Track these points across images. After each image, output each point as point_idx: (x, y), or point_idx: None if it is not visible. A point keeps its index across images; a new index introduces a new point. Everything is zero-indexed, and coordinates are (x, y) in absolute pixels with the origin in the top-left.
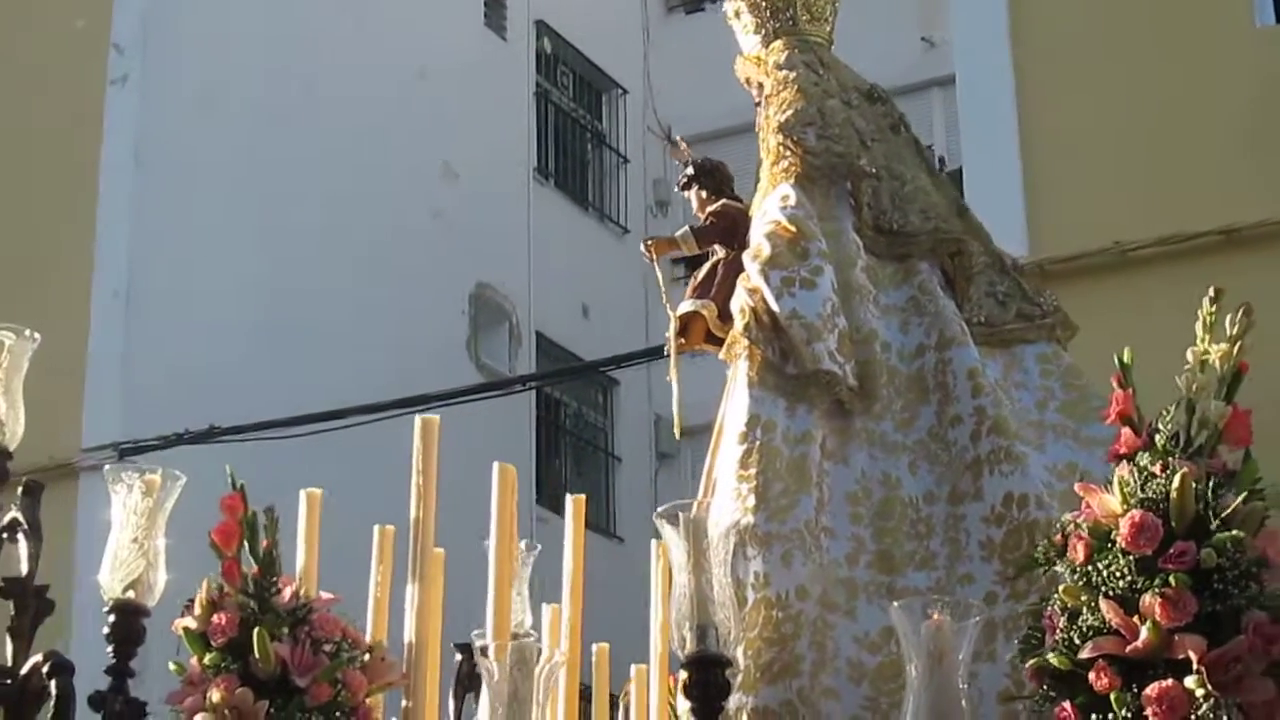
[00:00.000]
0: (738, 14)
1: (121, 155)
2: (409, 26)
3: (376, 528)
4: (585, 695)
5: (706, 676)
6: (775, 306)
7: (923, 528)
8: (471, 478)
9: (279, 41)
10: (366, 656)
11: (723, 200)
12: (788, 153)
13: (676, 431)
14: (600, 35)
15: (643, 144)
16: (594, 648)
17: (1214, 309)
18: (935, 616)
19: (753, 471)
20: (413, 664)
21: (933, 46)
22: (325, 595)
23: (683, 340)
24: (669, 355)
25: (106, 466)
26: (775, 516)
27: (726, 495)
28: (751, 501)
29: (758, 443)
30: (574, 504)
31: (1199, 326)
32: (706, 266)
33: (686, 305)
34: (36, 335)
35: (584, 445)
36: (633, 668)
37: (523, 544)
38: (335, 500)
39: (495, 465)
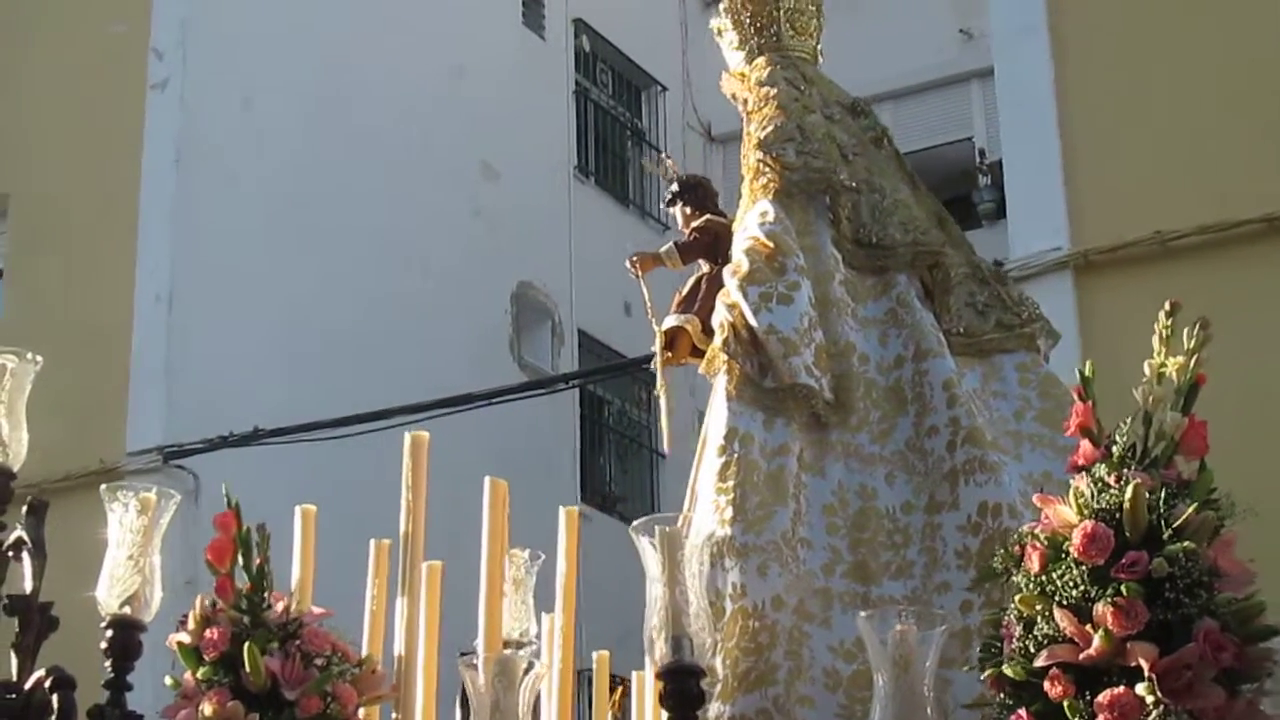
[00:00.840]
0: (721, 31)
1: (162, 160)
2: (447, 27)
3: (372, 542)
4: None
5: (681, 686)
6: (753, 321)
7: (899, 537)
8: (517, 476)
9: (318, 44)
10: (357, 670)
11: (706, 216)
12: (767, 169)
13: (665, 444)
14: (638, 32)
15: (682, 140)
16: (594, 655)
17: (1170, 323)
18: (900, 626)
19: (730, 484)
20: (402, 677)
21: (971, 38)
22: (317, 610)
23: (669, 354)
24: (656, 370)
25: (103, 487)
26: (752, 528)
27: (706, 508)
28: (729, 514)
29: (735, 455)
30: (566, 515)
31: (1155, 340)
32: (691, 281)
33: (671, 320)
34: (39, 358)
35: (628, 442)
36: (633, 674)
37: (526, 553)
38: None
39: (486, 480)
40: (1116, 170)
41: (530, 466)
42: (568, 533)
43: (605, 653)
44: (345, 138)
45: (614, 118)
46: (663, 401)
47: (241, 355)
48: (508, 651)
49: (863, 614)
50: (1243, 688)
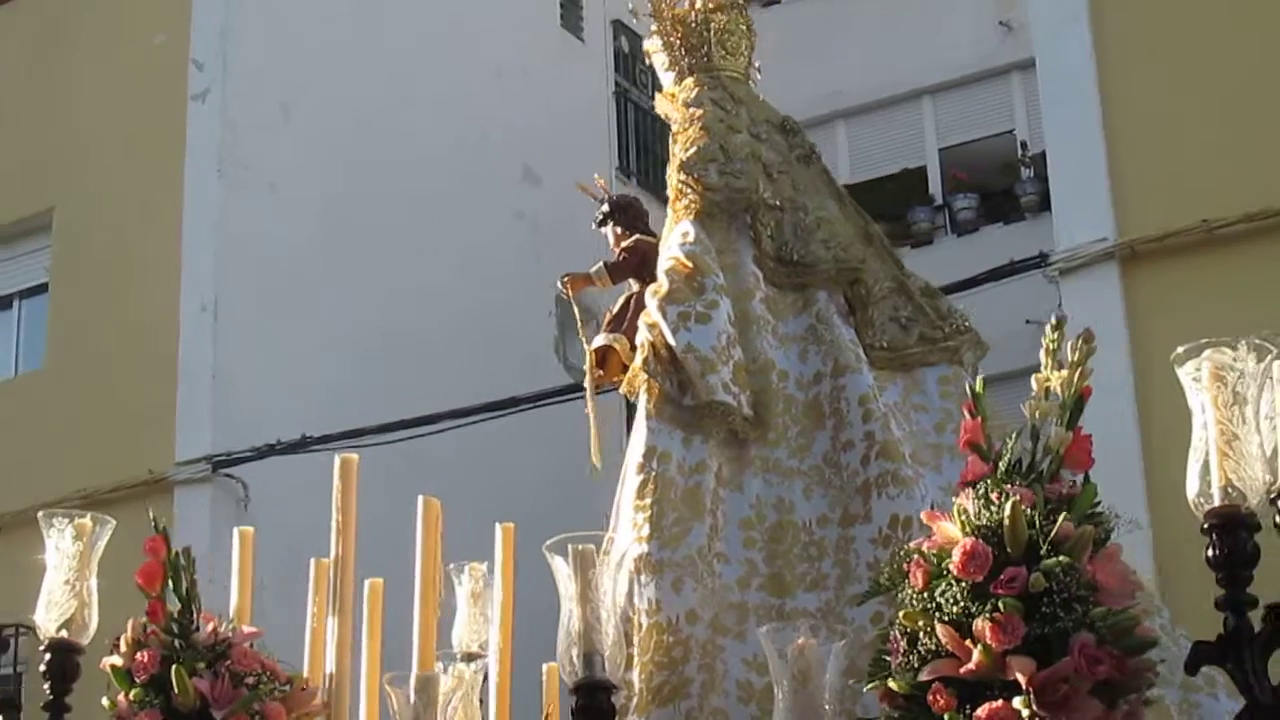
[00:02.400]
0: (649, 55)
1: (205, 169)
2: (485, 31)
3: (312, 561)
4: None
5: (594, 701)
6: (672, 340)
7: (814, 550)
8: (565, 478)
9: (356, 51)
10: (286, 688)
11: (635, 236)
12: (689, 190)
13: (596, 461)
14: None
15: None
16: (544, 667)
17: (1056, 336)
18: (800, 640)
19: (648, 501)
20: (334, 694)
21: (1011, 30)
22: (248, 629)
23: (600, 373)
24: (586, 388)
25: (40, 513)
26: (668, 544)
27: (624, 525)
28: (646, 530)
29: (653, 473)
30: (503, 532)
31: (1042, 353)
32: (620, 300)
33: (600, 339)
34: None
35: None
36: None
37: (484, 566)
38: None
39: (420, 499)
40: (1162, 160)
41: (577, 468)
42: (504, 549)
43: (554, 664)
44: (385, 144)
45: (654, 118)
46: (592, 419)
47: (288, 363)
48: (471, 664)
49: (763, 628)
50: (1126, 698)
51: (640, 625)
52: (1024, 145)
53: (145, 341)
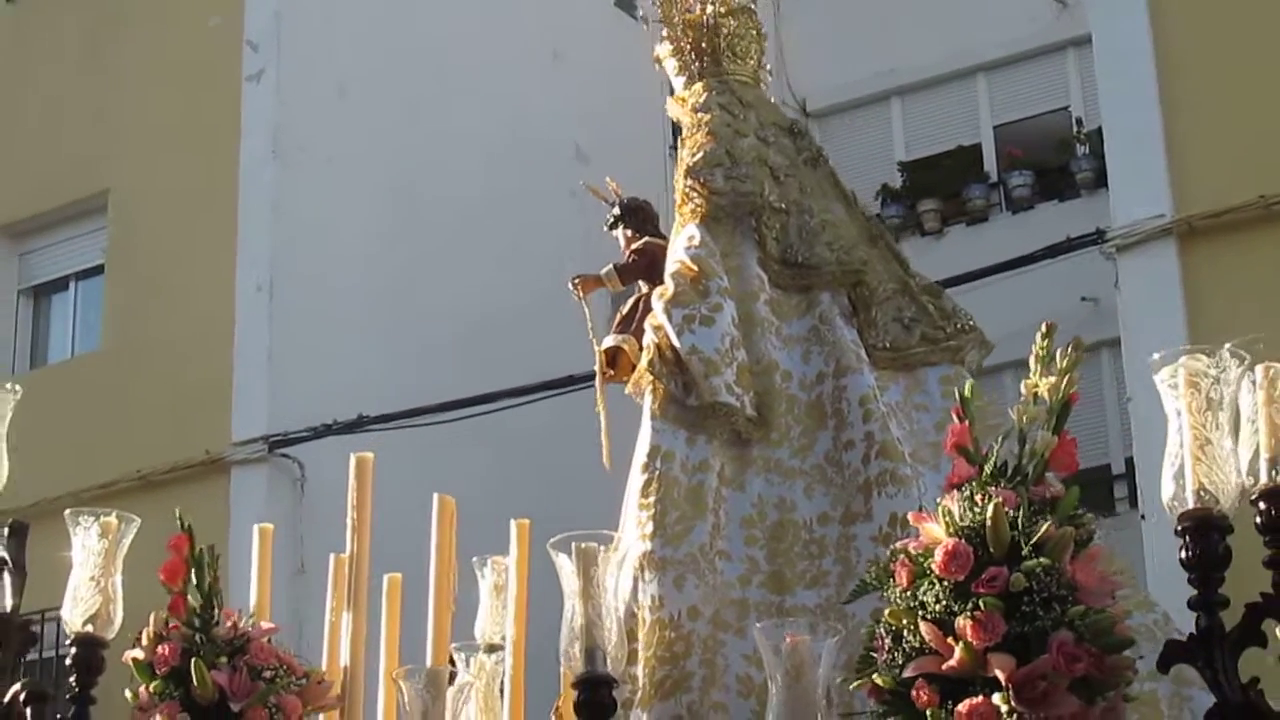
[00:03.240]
0: (659, 60)
1: (259, 150)
2: (539, 10)
3: (332, 556)
4: None
5: (594, 696)
6: (676, 343)
7: (815, 548)
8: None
9: (411, 31)
10: (303, 681)
11: (645, 238)
12: (695, 194)
13: (605, 461)
14: None
15: None
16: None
17: (1046, 343)
18: (793, 637)
19: (652, 500)
20: (348, 688)
21: (1065, 6)
22: (266, 625)
23: (611, 372)
24: (596, 388)
25: (67, 512)
26: (671, 542)
27: (630, 523)
28: (650, 529)
29: (657, 472)
30: (518, 528)
31: (1032, 359)
32: (630, 301)
33: (610, 340)
34: (17, 388)
35: None
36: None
37: (506, 559)
38: (486, 485)
39: (435, 497)
40: (1218, 135)
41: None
42: (519, 545)
43: None
44: (440, 124)
45: None
46: (602, 418)
47: (344, 343)
48: (493, 655)
49: (758, 624)
50: (1105, 695)
51: (644, 621)
52: (1079, 122)
53: (201, 322)
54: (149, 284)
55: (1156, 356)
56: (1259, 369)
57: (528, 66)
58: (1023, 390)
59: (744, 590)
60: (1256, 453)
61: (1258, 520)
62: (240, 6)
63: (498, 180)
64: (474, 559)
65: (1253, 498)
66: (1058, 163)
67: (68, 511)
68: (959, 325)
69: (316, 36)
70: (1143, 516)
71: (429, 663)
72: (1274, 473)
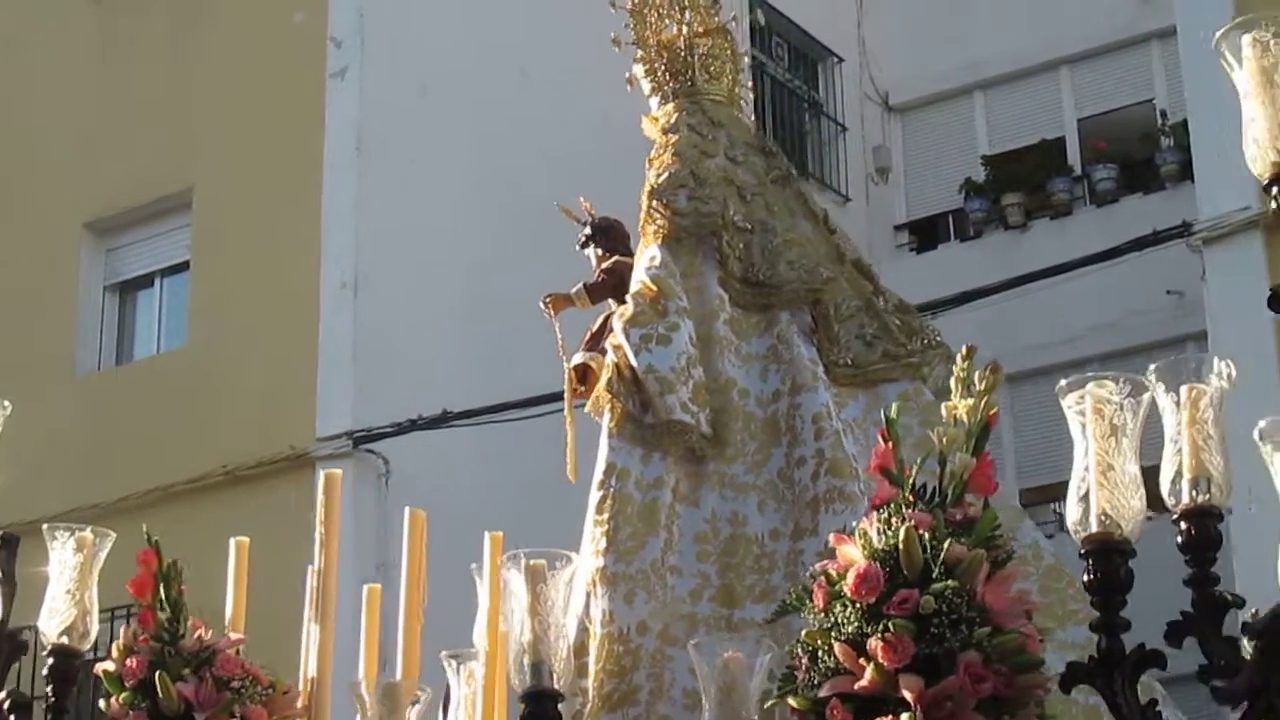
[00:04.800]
0: (631, 82)
1: (344, 147)
2: (621, 9)
3: (309, 567)
4: None
5: (541, 709)
6: (634, 361)
7: (766, 562)
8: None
9: (494, 27)
10: (269, 692)
11: (615, 257)
12: (658, 215)
13: (570, 475)
14: (813, 5)
15: (860, 112)
16: None
17: (967, 366)
18: (726, 653)
19: (605, 516)
20: (315, 699)
21: None
22: (234, 636)
23: (581, 389)
24: (565, 405)
25: (45, 526)
26: (623, 558)
27: (585, 538)
28: (603, 544)
29: (612, 489)
30: (491, 540)
31: (953, 381)
32: (600, 319)
33: (579, 357)
34: (7, 404)
35: None
36: None
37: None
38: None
39: (406, 510)
40: None
41: None
42: (491, 556)
43: None
44: (521, 119)
45: (791, 91)
46: (569, 433)
47: (428, 338)
48: None
49: (692, 642)
50: (1014, 714)
51: (595, 635)
52: (1164, 114)
53: (286, 318)
54: (234, 280)
55: (1064, 383)
56: (1183, 390)
57: (609, 65)
58: (944, 413)
59: (694, 605)
60: (1179, 472)
61: (1179, 540)
62: (324, 3)
63: (579, 175)
64: (473, 565)
65: (1174, 518)
66: (1142, 155)
67: (45, 526)
68: (924, 342)
69: (400, 32)
70: (1229, 511)
71: (399, 674)
72: (1195, 493)
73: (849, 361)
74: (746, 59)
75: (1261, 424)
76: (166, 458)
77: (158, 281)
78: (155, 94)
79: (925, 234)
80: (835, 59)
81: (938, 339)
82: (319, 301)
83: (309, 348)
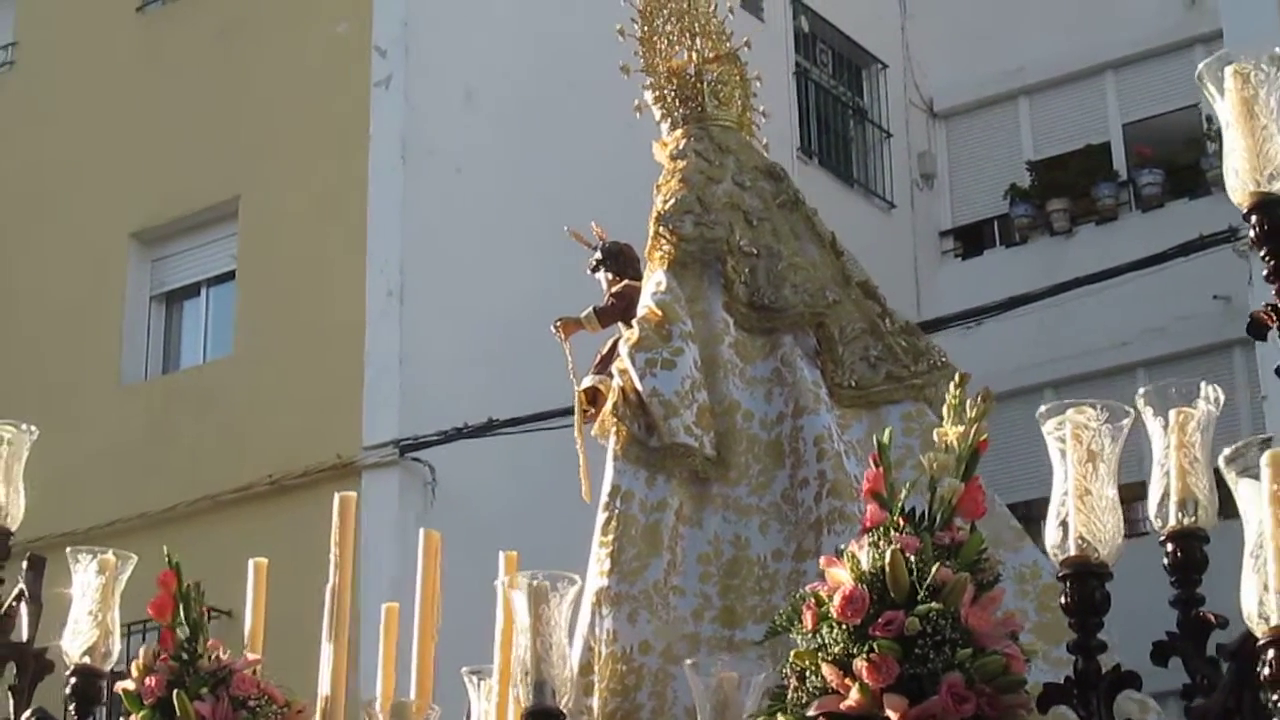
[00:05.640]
0: (640, 109)
1: (389, 157)
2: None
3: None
4: None
5: None
6: (640, 386)
7: (768, 583)
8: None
9: (537, 36)
10: (284, 710)
11: (624, 281)
12: (664, 241)
13: (585, 495)
14: (857, 11)
15: (905, 118)
16: None
17: (959, 393)
18: (720, 673)
19: (610, 538)
20: (329, 716)
21: (1194, 3)
22: (251, 656)
23: (591, 410)
24: (575, 428)
25: (68, 549)
26: (626, 578)
27: (591, 559)
28: (607, 565)
29: (617, 511)
30: (505, 560)
31: (945, 409)
32: (610, 343)
33: (588, 380)
34: (34, 429)
35: None
36: None
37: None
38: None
39: (420, 531)
40: None
41: None
42: (507, 572)
43: None
44: (566, 126)
45: (835, 97)
46: (581, 455)
47: (474, 347)
48: None
49: (688, 662)
50: None
51: (600, 654)
52: (1209, 119)
53: (332, 327)
54: (280, 289)
55: (1044, 409)
56: (1172, 414)
57: None
58: (936, 439)
59: (696, 625)
60: (1166, 495)
61: (1165, 561)
62: (369, 13)
63: (624, 182)
64: (495, 583)
65: (1161, 539)
66: (1187, 160)
67: (69, 549)
68: (930, 363)
69: (444, 41)
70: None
71: (413, 693)
72: (1181, 515)
73: (853, 383)
74: (757, 83)
75: (1226, 451)
76: (213, 466)
77: (204, 291)
78: (200, 105)
79: (970, 240)
80: (880, 65)
81: (943, 360)
82: (365, 310)
83: (355, 356)
